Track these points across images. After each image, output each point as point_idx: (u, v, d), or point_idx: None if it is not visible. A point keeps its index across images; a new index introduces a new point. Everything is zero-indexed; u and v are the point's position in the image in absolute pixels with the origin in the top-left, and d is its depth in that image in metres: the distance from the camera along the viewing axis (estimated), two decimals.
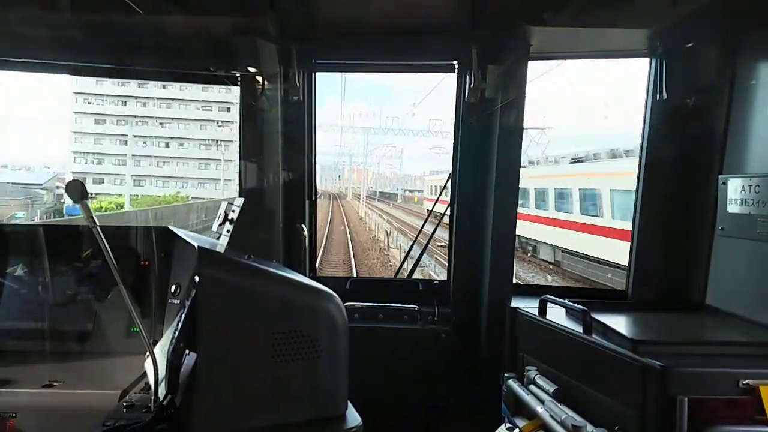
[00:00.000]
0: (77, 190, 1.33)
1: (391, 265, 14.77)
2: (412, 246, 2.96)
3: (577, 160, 14.83)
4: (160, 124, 45.68)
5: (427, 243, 2.85)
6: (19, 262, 1.84)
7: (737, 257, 1.96)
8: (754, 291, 1.86)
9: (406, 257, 3.11)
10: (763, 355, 1.54)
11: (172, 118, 45.61)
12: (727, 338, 1.70)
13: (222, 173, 42.02)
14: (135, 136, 44.87)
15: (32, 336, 1.76)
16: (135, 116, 45.44)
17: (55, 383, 1.56)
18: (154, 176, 44.46)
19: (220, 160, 43.87)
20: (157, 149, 45.40)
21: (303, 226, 2.47)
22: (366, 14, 2.14)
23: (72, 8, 1.94)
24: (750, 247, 1.87)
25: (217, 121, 45.00)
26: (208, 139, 45.49)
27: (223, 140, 44.67)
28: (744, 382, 1.41)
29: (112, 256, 1.32)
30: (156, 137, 45.50)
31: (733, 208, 1.93)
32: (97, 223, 1.31)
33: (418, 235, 3.01)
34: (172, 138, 45.33)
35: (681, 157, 2.20)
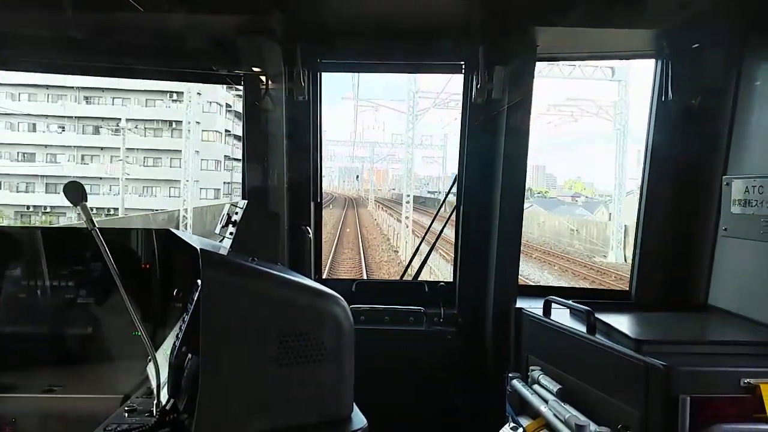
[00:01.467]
0: (76, 191, 1.32)
1: None
2: (418, 247, 2.95)
3: None
4: (85, 98, 30.04)
5: (434, 243, 2.84)
6: (18, 265, 1.84)
7: (740, 258, 1.97)
8: (757, 291, 1.87)
9: (412, 258, 3.08)
10: (765, 354, 1.55)
11: (103, 89, 29.30)
12: (729, 337, 1.72)
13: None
14: (48, 116, 28.67)
15: (32, 340, 1.75)
16: (47, 86, 28.81)
17: (55, 388, 1.56)
18: (76, 177, 26.18)
19: (176, 151, 26.99)
20: (80, 137, 29.87)
21: (308, 228, 2.47)
22: (372, 14, 2.13)
23: (74, 7, 1.92)
24: (753, 247, 1.88)
25: (170, 92, 29.03)
26: (157, 120, 29.51)
27: (177, 121, 29.33)
28: (745, 381, 1.43)
29: (111, 259, 1.31)
30: (78, 118, 28.90)
31: (736, 209, 1.94)
32: (97, 226, 1.31)
33: (425, 235, 3.00)
34: (102, 119, 28.69)
35: (685, 157, 2.20)
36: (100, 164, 29.48)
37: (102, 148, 29.39)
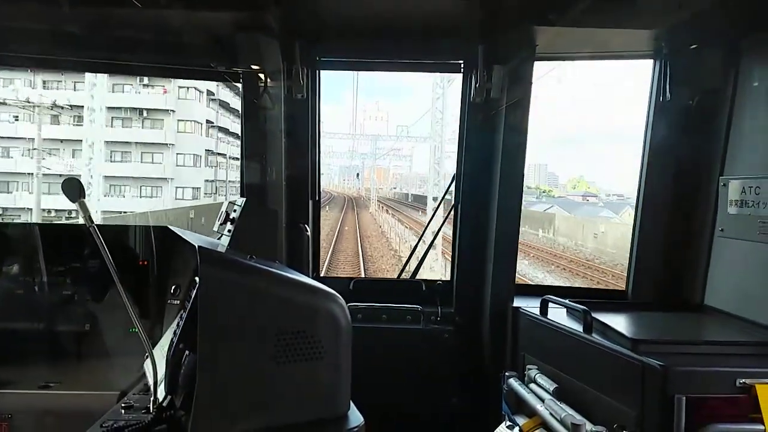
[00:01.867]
0: (74, 188, 1.32)
1: None
2: (416, 246, 2.97)
3: None
4: (43, 83, 24.69)
5: (432, 242, 2.85)
6: (16, 262, 1.83)
7: (736, 258, 1.98)
8: (753, 292, 1.88)
9: (410, 257, 3.08)
10: (760, 354, 1.56)
11: (63, 71, 22.22)
12: (725, 338, 1.72)
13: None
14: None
15: (29, 336, 1.75)
16: None
17: (51, 384, 1.56)
18: (28, 173, 21.83)
19: (148, 143, 23.11)
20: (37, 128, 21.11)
21: (306, 226, 2.47)
22: (371, 12, 2.13)
23: (70, 3, 1.91)
24: (749, 248, 1.89)
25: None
26: (125, 108, 24.31)
27: (150, 109, 24.98)
28: (741, 381, 1.43)
29: (109, 256, 1.31)
30: (34, 106, 21.62)
31: (733, 210, 1.94)
32: (94, 222, 1.30)
33: (423, 233, 3.00)
34: (62, 107, 22.44)
35: (683, 157, 2.21)
36: (60, 158, 23.59)
37: (62, 141, 23.67)
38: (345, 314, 1.29)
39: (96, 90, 19.61)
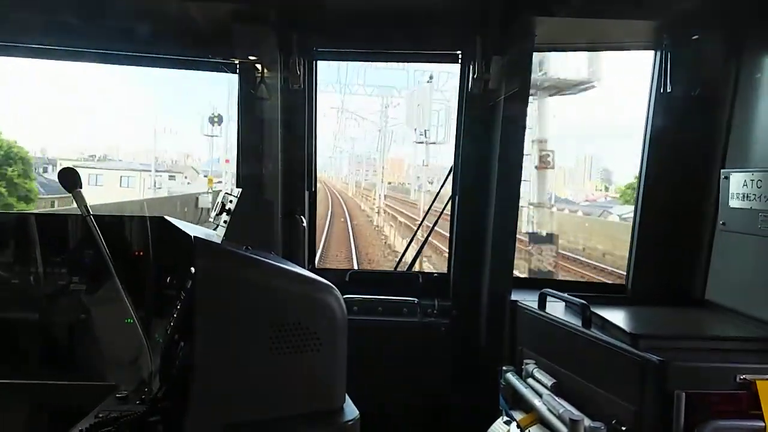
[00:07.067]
0: (70, 178, 1.32)
1: None
2: (413, 237, 2.95)
3: None
4: None
5: (428, 235, 2.83)
6: (11, 251, 1.82)
7: (738, 252, 1.96)
8: (755, 287, 1.86)
9: (406, 249, 3.07)
10: (761, 350, 1.55)
11: None
12: (726, 333, 1.71)
13: None
14: None
15: (23, 327, 1.74)
16: None
17: (46, 375, 1.55)
18: None
19: None
20: None
21: (302, 217, 2.45)
22: (369, 2, 2.11)
23: None
24: (751, 242, 1.87)
25: None
26: None
27: None
28: (741, 377, 1.42)
29: (105, 246, 1.30)
30: None
31: (734, 203, 1.92)
32: (91, 213, 1.30)
33: (419, 226, 2.99)
34: None
35: (684, 150, 2.19)
36: None
37: None
38: (341, 306, 1.29)
39: None
